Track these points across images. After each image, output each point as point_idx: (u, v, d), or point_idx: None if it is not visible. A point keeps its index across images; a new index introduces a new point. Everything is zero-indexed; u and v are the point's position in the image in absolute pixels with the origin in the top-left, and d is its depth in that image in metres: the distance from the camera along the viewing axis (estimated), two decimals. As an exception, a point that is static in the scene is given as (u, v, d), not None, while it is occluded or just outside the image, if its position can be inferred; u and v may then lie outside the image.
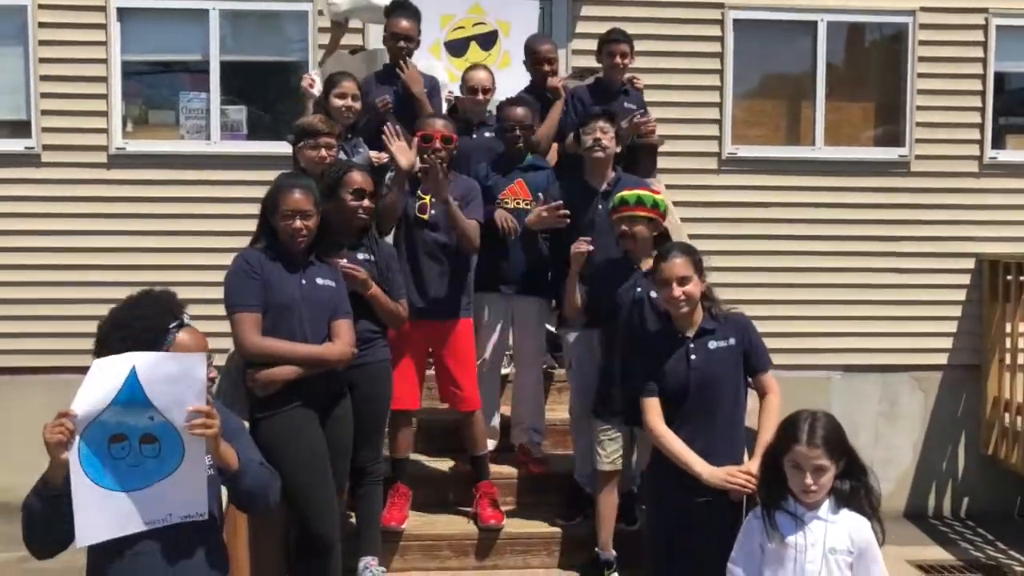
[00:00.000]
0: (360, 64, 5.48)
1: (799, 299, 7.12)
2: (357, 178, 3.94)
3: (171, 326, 2.51)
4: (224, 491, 2.67)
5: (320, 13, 6.37)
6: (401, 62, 5.12)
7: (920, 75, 7.26)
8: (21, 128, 6.80)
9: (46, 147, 6.78)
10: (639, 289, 3.96)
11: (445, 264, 4.42)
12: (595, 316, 4.21)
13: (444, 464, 4.90)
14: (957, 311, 7.34)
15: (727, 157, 7.18)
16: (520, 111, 4.77)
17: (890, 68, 7.45)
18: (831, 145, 7.30)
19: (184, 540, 2.50)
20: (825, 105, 7.28)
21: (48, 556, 2.44)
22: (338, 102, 4.74)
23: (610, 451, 4.13)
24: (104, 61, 6.77)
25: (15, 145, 6.77)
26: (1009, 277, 6.95)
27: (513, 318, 4.83)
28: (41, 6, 6.72)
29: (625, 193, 4.05)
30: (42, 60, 6.74)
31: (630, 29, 5.56)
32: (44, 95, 6.76)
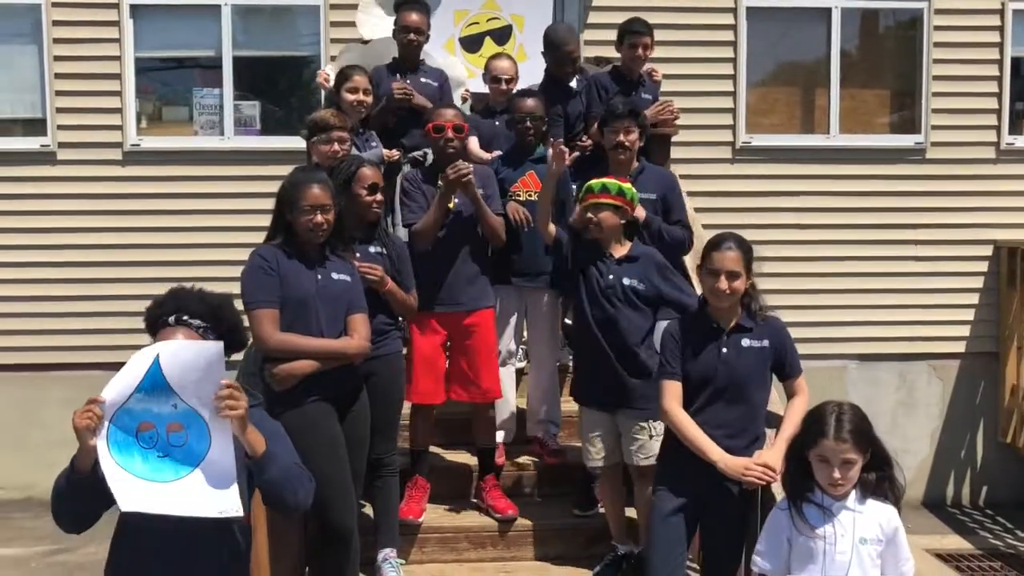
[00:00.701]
0: (381, 51, 5.43)
1: (815, 288, 7.08)
2: (369, 173, 3.96)
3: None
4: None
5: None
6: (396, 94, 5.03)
7: (936, 61, 7.20)
8: (37, 126, 6.85)
9: (61, 145, 6.82)
10: (610, 277, 4.01)
11: (470, 255, 4.43)
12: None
13: (461, 457, 4.91)
14: (974, 298, 7.29)
15: (741, 146, 7.15)
16: (531, 102, 4.74)
17: (905, 54, 7.40)
18: (846, 133, 7.25)
19: (206, 545, 2.49)
20: (840, 92, 7.23)
21: (75, 532, 2.53)
22: (350, 96, 4.74)
23: (599, 447, 4.15)
24: (118, 58, 6.80)
25: (31, 143, 6.82)
26: (1027, 264, 6.90)
27: (527, 310, 4.83)
28: (55, 4, 6.75)
29: (592, 181, 4.07)
30: (56, 58, 6.78)
31: (643, 18, 5.52)
32: (59, 93, 6.80)
